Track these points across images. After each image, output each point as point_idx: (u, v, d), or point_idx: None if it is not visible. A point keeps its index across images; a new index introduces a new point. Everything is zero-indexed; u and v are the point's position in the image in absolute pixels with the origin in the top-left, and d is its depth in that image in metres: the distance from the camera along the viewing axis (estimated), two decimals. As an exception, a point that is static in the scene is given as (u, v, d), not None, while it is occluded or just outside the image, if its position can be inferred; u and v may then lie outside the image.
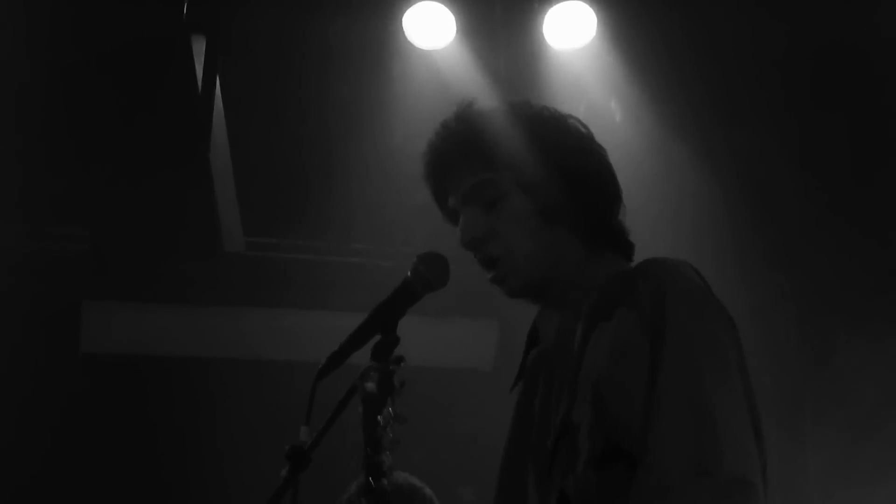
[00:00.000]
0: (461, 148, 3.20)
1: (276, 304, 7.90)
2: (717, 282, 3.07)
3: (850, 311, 7.10)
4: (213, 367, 7.86)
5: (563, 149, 3.18)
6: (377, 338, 3.04)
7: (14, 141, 6.93)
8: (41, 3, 6.54)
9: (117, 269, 7.72)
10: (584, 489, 2.91)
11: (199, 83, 6.63)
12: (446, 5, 6.35)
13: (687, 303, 2.93)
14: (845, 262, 7.17)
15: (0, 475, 7.31)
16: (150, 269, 7.72)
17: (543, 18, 6.37)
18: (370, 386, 2.99)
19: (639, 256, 3.19)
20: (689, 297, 2.95)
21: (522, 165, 3.14)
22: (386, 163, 6.84)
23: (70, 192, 7.20)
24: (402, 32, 6.43)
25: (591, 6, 6.35)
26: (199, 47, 6.55)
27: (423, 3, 6.33)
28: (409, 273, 3.10)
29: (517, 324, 3.45)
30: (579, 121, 3.29)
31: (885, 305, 6.95)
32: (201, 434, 7.48)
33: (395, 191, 6.93)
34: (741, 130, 6.97)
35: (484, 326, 7.60)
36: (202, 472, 7.49)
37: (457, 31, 6.42)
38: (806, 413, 7.42)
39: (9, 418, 7.42)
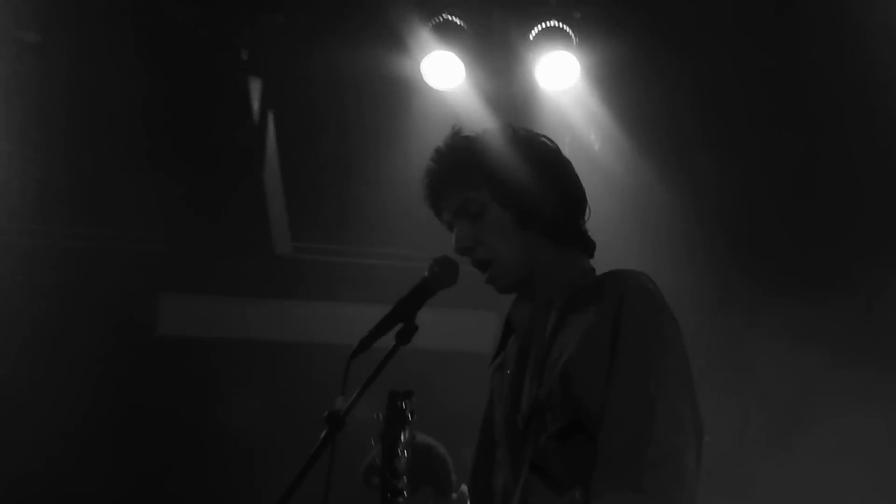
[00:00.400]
0: (447, 172, 3.23)
1: (315, 297, 7.94)
2: (671, 279, 3.23)
3: (767, 309, 6.80)
4: (260, 347, 7.87)
5: (531, 164, 3.19)
6: (399, 325, 3.10)
7: (107, 161, 7.01)
8: (128, 46, 6.56)
9: (188, 267, 7.87)
10: (550, 458, 2.97)
11: (256, 116, 6.94)
12: (457, 54, 6.40)
13: (641, 307, 2.99)
14: (774, 266, 7.01)
15: (85, 434, 7.29)
16: (214, 268, 7.91)
17: (536, 65, 6.47)
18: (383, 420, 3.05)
19: (612, 255, 3.29)
20: (642, 302, 3.00)
21: (497, 182, 3.16)
22: (404, 181, 6.39)
23: (149, 202, 7.37)
24: (421, 75, 6.51)
25: (574, 56, 6.44)
26: (255, 87, 6.85)
27: (437, 52, 6.39)
28: (426, 273, 3.16)
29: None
30: (548, 138, 3.34)
31: (802, 307, 6.58)
32: (251, 400, 7.41)
33: (412, 205, 6.89)
34: (698, 156, 6.90)
35: (484, 316, 7.43)
36: (252, 428, 7.41)
37: (465, 75, 6.51)
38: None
39: (101, 388, 7.41)
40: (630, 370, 2.91)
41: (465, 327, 7.64)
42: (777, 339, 6.55)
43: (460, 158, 3.21)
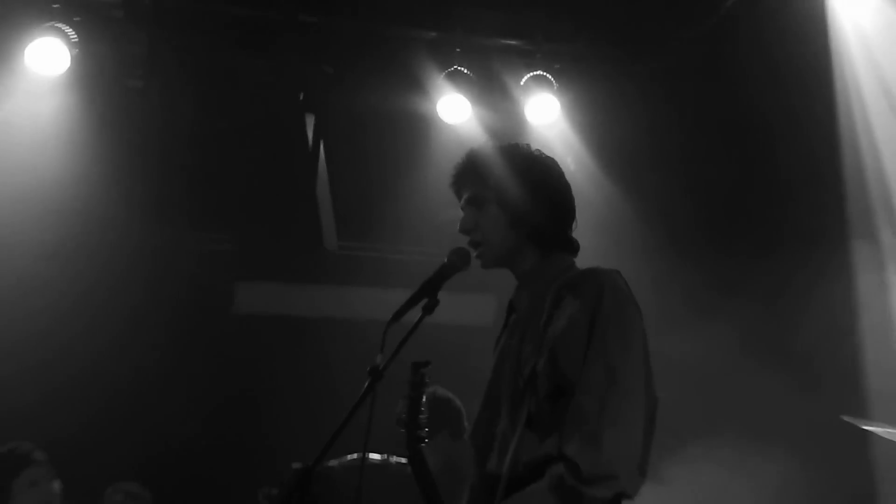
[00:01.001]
0: (466, 173, 3.29)
1: (355, 284, 7.88)
2: (628, 273, 3.17)
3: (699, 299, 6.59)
4: (311, 322, 7.84)
5: (531, 180, 3.20)
6: (425, 301, 3.13)
7: (196, 178, 7.14)
8: (211, 89, 6.74)
9: (257, 260, 7.91)
10: (541, 413, 3.01)
11: (310, 143, 7.11)
12: (465, 96, 6.52)
13: (613, 302, 3.01)
14: (707, 266, 6.77)
15: (168, 398, 7.15)
16: (277, 261, 7.93)
17: (525, 104, 6.61)
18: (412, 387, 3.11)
19: (584, 255, 3.28)
20: (614, 298, 3.02)
21: (500, 188, 3.20)
22: (425, 194, 6.83)
23: (230, 211, 7.59)
24: (437, 112, 6.65)
25: (555, 97, 6.59)
26: (310, 121, 7.03)
27: (450, 94, 6.51)
28: (445, 260, 3.22)
29: (504, 298, 3.41)
30: (553, 160, 3.32)
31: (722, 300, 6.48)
32: (310, 365, 7.36)
33: (431, 213, 6.86)
34: (650, 176, 6.89)
35: (484, 298, 7.50)
36: (305, 384, 7.28)
37: (472, 112, 6.65)
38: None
39: (190, 354, 7.40)
40: (601, 352, 2.95)
41: (469, 307, 7.43)
42: (703, 320, 6.33)
43: (481, 161, 3.28)
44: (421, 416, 3.15)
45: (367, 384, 2.96)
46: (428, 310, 3.12)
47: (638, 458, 2.95)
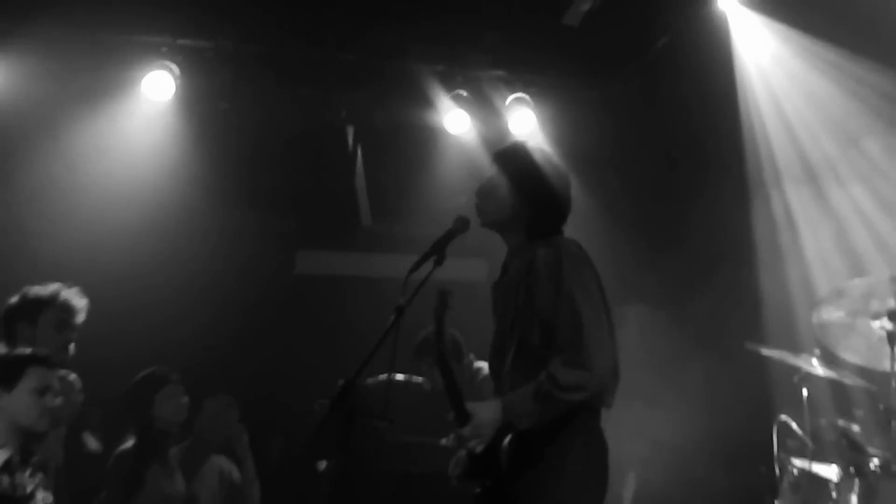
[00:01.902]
0: (500, 154, 3.26)
1: (384, 251, 7.59)
2: (585, 242, 3.12)
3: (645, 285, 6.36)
4: (353, 280, 7.70)
5: (534, 179, 3.12)
6: (435, 256, 3.13)
7: (266, 173, 7.00)
8: (275, 106, 6.64)
9: (313, 234, 7.83)
10: (529, 353, 3.03)
11: (350, 147, 7.14)
12: (465, 112, 6.55)
13: (571, 262, 3.02)
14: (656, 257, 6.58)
15: (247, 339, 7.04)
16: (326, 235, 7.87)
17: (509, 118, 6.61)
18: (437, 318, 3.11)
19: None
20: (571, 259, 3.03)
21: (511, 175, 3.18)
22: (437, 186, 6.89)
23: (292, 196, 7.42)
24: (444, 125, 6.66)
25: (533, 113, 6.58)
26: (350, 131, 7.05)
27: (454, 111, 6.55)
28: (450, 225, 3.22)
29: (495, 262, 3.38)
30: (559, 166, 3.22)
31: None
32: (351, 313, 6.90)
33: (439, 199, 6.88)
34: (604, 172, 6.77)
35: (478, 262, 7.42)
36: (352, 329, 6.15)
37: (470, 125, 6.66)
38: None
39: (261, 310, 7.23)
40: (566, 297, 2.97)
41: (467, 268, 7.24)
42: (638, 270, 6.25)
43: (511, 152, 3.27)
44: (445, 333, 3.16)
45: (393, 318, 2.97)
46: (438, 262, 3.10)
47: (609, 368, 2.92)
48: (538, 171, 3.14)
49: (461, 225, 3.18)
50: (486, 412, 2.95)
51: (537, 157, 3.21)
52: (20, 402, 3.18)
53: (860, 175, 5.55)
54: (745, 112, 6.03)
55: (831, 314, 4.79)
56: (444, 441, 4.75)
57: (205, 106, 6.53)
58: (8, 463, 3.07)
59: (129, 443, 4.61)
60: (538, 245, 3.11)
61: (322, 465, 5.64)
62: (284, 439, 6.49)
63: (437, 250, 3.13)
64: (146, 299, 6.64)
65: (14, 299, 3.97)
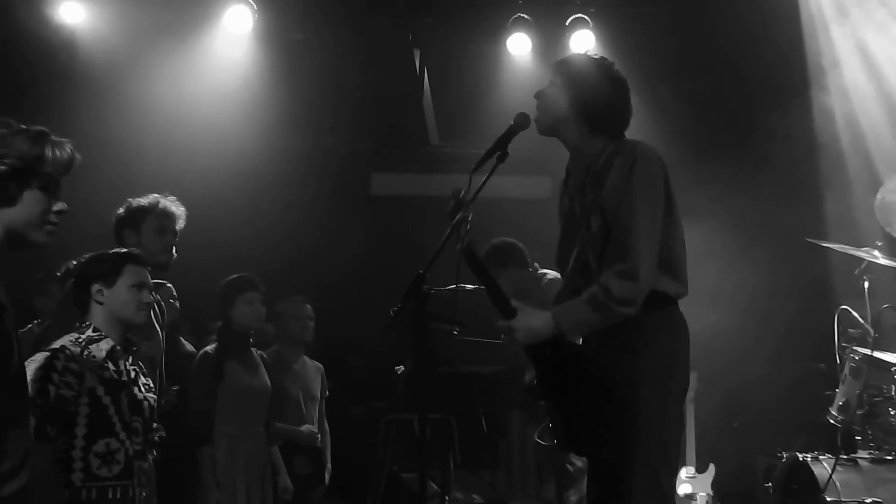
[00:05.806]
0: (559, 63, 3.15)
1: (449, 171, 6.56)
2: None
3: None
4: (421, 199, 7.64)
5: (590, 81, 3.04)
6: (498, 153, 3.03)
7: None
8: (349, 37, 6.75)
9: (385, 156, 8.02)
10: (595, 242, 3.00)
11: (417, 69, 7.13)
12: (526, 35, 6.54)
13: (645, 164, 2.95)
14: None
15: (327, 253, 7.18)
16: (398, 155, 8.01)
17: (569, 39, 6.51)
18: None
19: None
20: (645, 161, 2.95)
21: (566, 79, 3.08)
22: (498, 105, 6.58)
23: (363, 120, 7.46)
24: (507, 47, 6.68)
25: (591, 33, 6.50)
26: (417, 54, 7.05)
27: (515, 34, 6.51)
28: (512, 121, 3.08)
29: (560, 180, 3.29)
30: (616, 72, 3.08)
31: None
32: (422, 228, 5.71)
33: (503, 118, 6.12)
34: (661, 87, 6.65)
35: (542, 180, 7.46)
36: (424, 240, 6.35)
37: (531, 46, 6.62)
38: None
39: (341, 228, 7.40)
40: (633, 201, 2.91)
41: (530, 185, 7.46)
42: (700, 173, 5.95)
43: (570, 60, 3.20)
44: (463, 228, 2.98)
45: (458, 216, 2.95)
46: (500, 159, 3.02)
47: (651, 279, 2.87)
48: (596, 79, 3.04)
49: (522, 121, 3.08)
50: (532, 317, 2.94)
51: (596, 65, 3.11)
52: (120, 296, 3.34)
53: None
54: (807, 14, 6.12)
55: (892, 195, 4.82)
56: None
57: (281, 37, 6.65)
58: (112, 351, 3.29)
59: (212, 346, 4.86)
60: (602, 142, 3.07)
61: (399, 368, 5.90)
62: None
63: (500, 146, 3.04)
64: (230, 218, 6.86)
65: (120, 209, 4.19)
